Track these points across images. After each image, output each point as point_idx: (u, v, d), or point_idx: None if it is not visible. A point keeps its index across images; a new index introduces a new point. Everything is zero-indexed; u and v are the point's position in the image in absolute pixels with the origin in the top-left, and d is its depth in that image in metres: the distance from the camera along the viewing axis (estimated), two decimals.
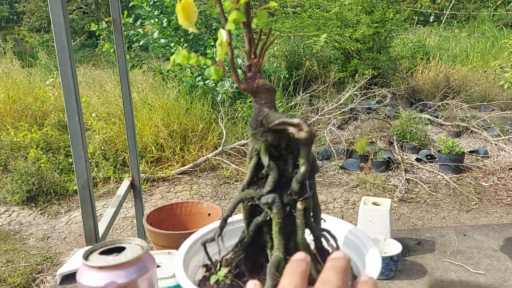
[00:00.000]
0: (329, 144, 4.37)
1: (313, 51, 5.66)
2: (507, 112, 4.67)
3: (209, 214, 1.10)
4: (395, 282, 0.96)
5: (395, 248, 1.01)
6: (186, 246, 0.64)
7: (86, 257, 0.67)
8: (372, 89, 5.28)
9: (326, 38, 5.08)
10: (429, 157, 4.23)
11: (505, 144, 4.28)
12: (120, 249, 0.68)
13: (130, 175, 1.60)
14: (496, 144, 4.37)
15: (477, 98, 5.23)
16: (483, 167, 4.12)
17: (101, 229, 1.28)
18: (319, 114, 4.76)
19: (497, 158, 4.26)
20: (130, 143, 1.55)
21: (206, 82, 4.70)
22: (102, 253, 0.68)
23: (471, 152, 4.36)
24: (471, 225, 1.63)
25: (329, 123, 4.71)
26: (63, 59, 0.95)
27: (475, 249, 1.09)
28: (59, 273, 0.97)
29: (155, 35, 4.73)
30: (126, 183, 1.55)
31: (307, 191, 0.51)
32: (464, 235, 1.16)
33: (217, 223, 0.72)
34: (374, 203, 1.08)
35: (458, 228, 1.19)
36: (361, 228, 1.08)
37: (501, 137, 4.41)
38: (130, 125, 1.59)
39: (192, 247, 0.66)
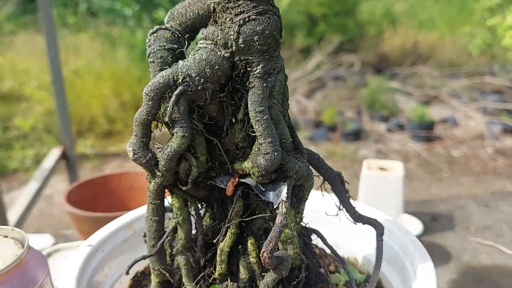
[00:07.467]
0: (295, 114, 4.13)
1: None
2: (475, 80, 4.59)
3: None
4: None
5: (411, 226, 0.76)
6: (98, 239, 0.38)
7: None
8: (340, 55, 5.04)
9: (290, 0, 4.76)
10: (399, 126, 4.08)
11: (473, 113, 4.19)
12: None
13: (62, 142, 1.26)
14: (465, 113, 4.28)
15: (445, 66, 5.12)
16: (453, 136, 4.02)
17: (14, 215, 0.96)
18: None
19: (466, 127, 4.18)
20: (57, 92, 1.21)
21: None
22: None
23: (441, 120, 4.26)
24: (491, 193, 1.42)
25: (295, 92, 4.46)
26: None
27: (504, 223, 0.86)
28: None
29: None
30: (55, 153, 1.20)
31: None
32: (486, 206, 0.93)
33: None
34: (381, 168, 0.82)
35: (478, 197, 0.95)
36: (364, 202, 0.82)
37: (469, 105, 4.31)
38: (58, 78, 1.25)
39: (108, 242, 0.40)
